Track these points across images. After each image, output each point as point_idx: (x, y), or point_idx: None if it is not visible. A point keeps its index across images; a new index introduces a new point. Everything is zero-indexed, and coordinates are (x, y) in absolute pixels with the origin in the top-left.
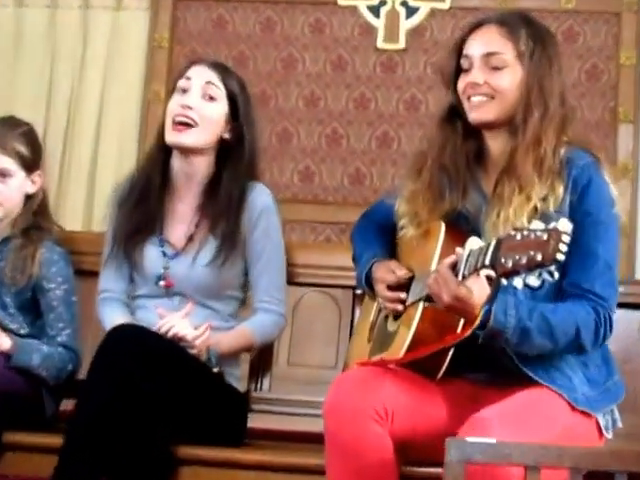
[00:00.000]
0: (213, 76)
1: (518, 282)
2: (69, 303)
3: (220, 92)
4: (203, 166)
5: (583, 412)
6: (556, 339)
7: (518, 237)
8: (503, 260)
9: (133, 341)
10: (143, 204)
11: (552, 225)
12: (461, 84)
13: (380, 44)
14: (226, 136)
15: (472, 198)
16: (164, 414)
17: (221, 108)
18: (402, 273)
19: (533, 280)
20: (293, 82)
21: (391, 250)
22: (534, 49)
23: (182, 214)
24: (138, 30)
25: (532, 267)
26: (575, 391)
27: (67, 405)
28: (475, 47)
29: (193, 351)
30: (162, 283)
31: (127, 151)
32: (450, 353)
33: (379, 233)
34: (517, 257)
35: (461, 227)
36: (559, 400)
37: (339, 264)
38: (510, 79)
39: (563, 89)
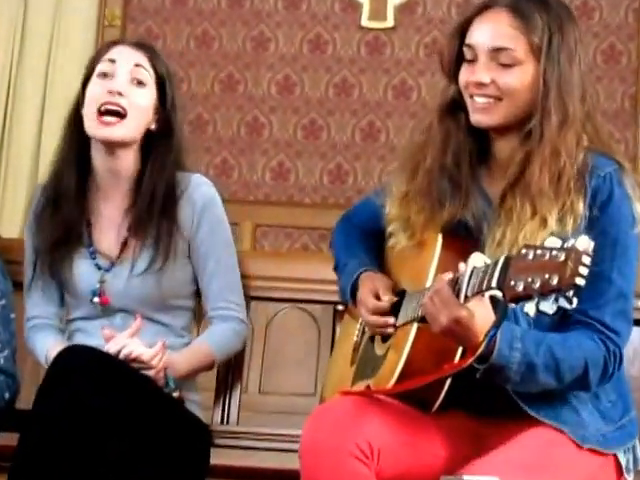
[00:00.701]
0: (141, 58)
1: (530, 308)
2: (7, 321)
3: (149, 76)
4: (130, 161)
5: (595, 451)
6: (562, 377)
7: (530, 256)
8: (513, 282)
9: (84, 361)
10: (62, 212)
11: (570, 243)
12: (463, 77)
13: (365, 22)
14: (152, 127)
15: (475, 203)
16: (116, 433)
17: (150, 94)
18: (386, 299)
19: (548, 307)
20: (264, 65)
21: (379, 257)
22: (551, 40)
23: (111, 218)
24: (85, 7)
25: (546, 292)
26: (584, 427)
27: (4, 439)
28: (481, 37)
29: (150, 373)
30: (96, 300)
31: None
32: (447, 383)
33: (364, 238)
34: (529, 279)
35: (461, 237)
36: (567, 442)
37: (318, 276)
38: (521, 78)
39: (583, 80)
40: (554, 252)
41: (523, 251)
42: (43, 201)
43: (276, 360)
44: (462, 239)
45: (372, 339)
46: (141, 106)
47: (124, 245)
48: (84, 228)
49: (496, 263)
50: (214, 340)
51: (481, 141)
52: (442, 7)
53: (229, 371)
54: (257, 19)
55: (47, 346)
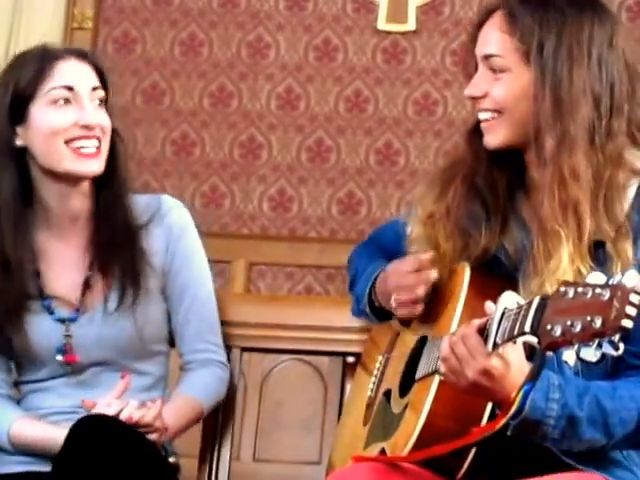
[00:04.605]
0: (95, 77)
1: (569, 356)
2: None
3: (103, 94)
4: (86, 194)
5: None
6: (611, 431)
7: (570, 295)
8: (549, 327)
9: (111, 433)
10: (10, 264)
11: (617, 279)
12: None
13: (382, 24)
14: None
15: (512, 234)
16: None
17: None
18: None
19: (590, 354)
20: (263, 75)
21: None
22: (542, 43)
23: (66, 259)
24: (51, 5)
25: (589, 337)
26: None
27: None
28: (478, 45)
29: (153, 437)
30: (60, 358)
31: None
32: (474, 448)
33: (388, 255)
34: (568, 323)
35: (493, 274)
36: None
37: (324, 323)
38: (510, 87)
39: (612, 83)
40: (597, 290)
41: (562, 289)
42: None
43: (274, 422)
44: (494, 277)
45: (388, 394)
46: (108, 130)
47: (86, 286)
48: (31, 278)
49: (530, 303)
50: (199, 390)
51: (519, 163)
52: (473, 7)
53: (216, 433)
54: (254, 21)
55: (9, 420)
